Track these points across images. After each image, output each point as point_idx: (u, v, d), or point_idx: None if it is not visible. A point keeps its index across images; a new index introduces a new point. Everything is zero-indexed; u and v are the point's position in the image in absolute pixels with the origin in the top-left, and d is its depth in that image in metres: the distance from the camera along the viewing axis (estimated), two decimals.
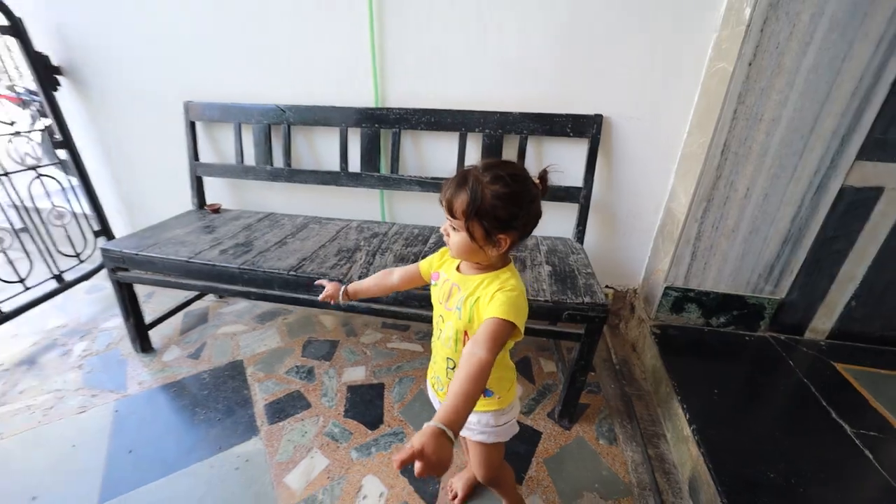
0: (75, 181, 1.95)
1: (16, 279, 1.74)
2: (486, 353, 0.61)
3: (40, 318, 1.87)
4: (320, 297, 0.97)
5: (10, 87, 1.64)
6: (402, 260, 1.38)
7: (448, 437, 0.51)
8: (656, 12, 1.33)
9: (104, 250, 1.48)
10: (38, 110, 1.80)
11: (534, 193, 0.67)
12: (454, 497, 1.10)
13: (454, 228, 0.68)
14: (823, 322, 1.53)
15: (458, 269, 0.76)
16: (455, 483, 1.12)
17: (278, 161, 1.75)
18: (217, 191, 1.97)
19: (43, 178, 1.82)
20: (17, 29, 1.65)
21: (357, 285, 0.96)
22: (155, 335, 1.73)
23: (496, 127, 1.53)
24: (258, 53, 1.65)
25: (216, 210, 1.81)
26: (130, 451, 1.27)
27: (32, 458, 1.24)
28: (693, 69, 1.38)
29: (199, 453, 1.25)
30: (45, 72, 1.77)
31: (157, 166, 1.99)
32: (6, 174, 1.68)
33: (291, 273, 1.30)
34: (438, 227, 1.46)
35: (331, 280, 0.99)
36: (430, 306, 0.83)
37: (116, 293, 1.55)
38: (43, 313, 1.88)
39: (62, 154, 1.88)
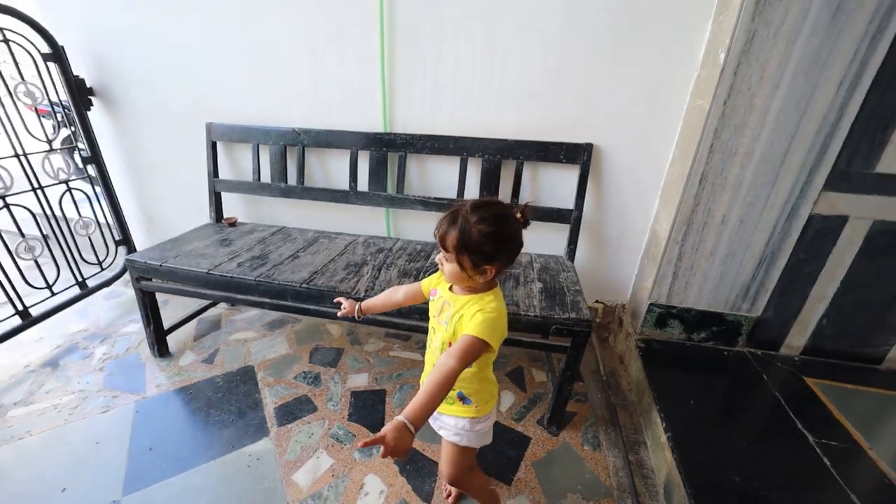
0: (99, 191, 2.08)
1: (44, 285, 1.86)
2: (456, 363, 0.72)
3: (62, 322, 1.99)
4: (338, 313, 1.10)
5: (40, 101, 1.78)
6: (405, 275, 1.49)
7: (409, 429, 0.64)
8: (642, 52, 1.45)
9: (129, 261, 1.60)
10: (60, 121, 1.93)
11: (514, 229, 0.78)
12: (448, 495, 1.20)
13: (447, 259, 0.80)
14: (797, 339, 1.63)
15: (450, 288, 0.88)
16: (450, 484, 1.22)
17: (292, 179, 1.88)
18: (232, 204, 2.10)
19: (72, 191, 1.95)
20: (58, 55, 1.80)
21: (369, 303, 1.08)
22: (171, 340, 1.84)
23: (494, 153, 1.66)
24: (276, 80, 1.79)
25: (232, 223, 1.94)
26: (150, 448, 1.37)
27: (60, 454, 1.34)
28: (676, 104, 1.50)
29: (214, 452, 1.35)
30: (80, 93, 1.92)
31: (177, 181, 2.13)
32: (41, 188, 1.81)
33: (304, 286, 1.42)
34: None
35: (347, 297, 1.12)
36: (428, 319, 0.95)
37: (139, 301, 1.67)
38: (65, 318, 2.00)
39: (90, 168, 2.02)
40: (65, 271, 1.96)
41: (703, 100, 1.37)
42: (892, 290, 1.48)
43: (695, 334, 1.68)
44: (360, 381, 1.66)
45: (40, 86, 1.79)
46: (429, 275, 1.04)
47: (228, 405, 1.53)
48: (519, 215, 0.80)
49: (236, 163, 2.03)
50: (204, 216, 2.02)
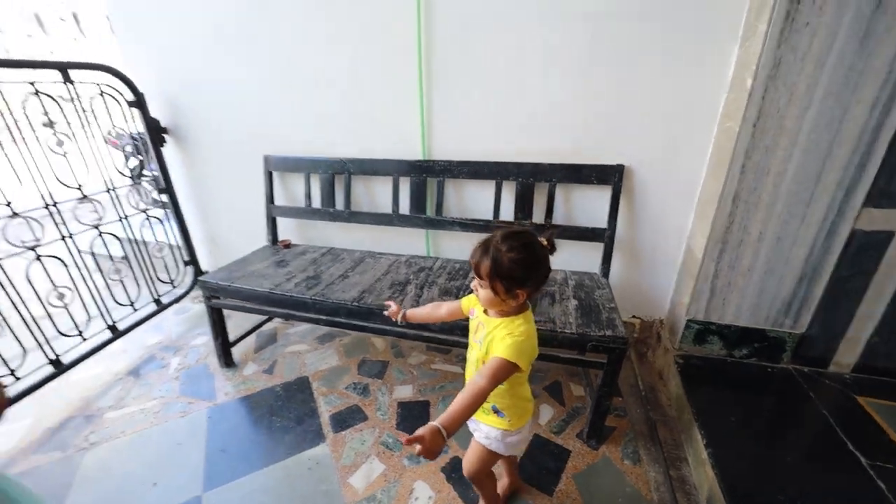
0: (170, 216, 2.34)
1: (128, 303, 2.12)
2: (486, 382, 0.81)
3: (141, 335, 2.23)
4: (386, 312, 1.22)
5: (125, 143, 2.06)
6: (446, 293, 1.60)
7: (442, 434, 0.74)
8: (671, 75, 1.51)
9: (201, 282, 1.81)
10: (130, 151, 2.20)
11: (542, 255, 0.87)
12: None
13: (481, 286, 0.89)
14: (847, 356, 1.59)
15: (485, 311, 0.97)
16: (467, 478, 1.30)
17: (340, 204, 2.06)
18: (284, 227, 2.30)
19: (151, 219, 2.21)
20: (140, 102, 2.08)
21: (413, 311, 1.20)
22: (234, 352, 2.03)
23: (528, 176, 1.75)
24: (324, 113, 1.98)
25: (287, 245, 2.13)
26: (223, 450, 1.54)
27: (149, 452, 1.53)
28: (706, 125, 1.54)
29: (278, 455, 1.50)
30: (155, 132, 2.19)
31: (236, 207, 2.36)
32: (126, 217, 2.08)
33: (354, 304, 1.56)
34: None
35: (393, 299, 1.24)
36: (466, 335, 1.04)
37: (209, 317, 1.87)
38: (143, 331, 2.25)
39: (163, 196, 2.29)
40: (143, 289, 2.22)
41: (733, 121, 1.41)
42: None
43: (736, 350, 1.68)
44: (406, 392, 1.77)
45: (125, 129, 2.07)
46: (469, 293, 1.14)
47: (288, 412, 1.68)
48: (545, 242, 0.89)
49: (289, 190, 2.23)
50: (260, 238, 2.23)
